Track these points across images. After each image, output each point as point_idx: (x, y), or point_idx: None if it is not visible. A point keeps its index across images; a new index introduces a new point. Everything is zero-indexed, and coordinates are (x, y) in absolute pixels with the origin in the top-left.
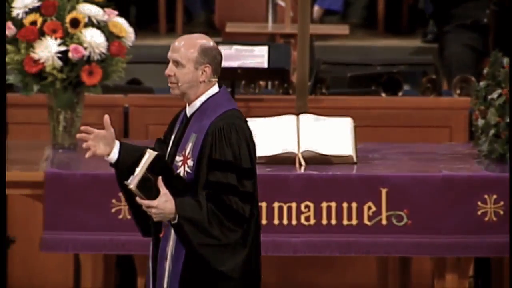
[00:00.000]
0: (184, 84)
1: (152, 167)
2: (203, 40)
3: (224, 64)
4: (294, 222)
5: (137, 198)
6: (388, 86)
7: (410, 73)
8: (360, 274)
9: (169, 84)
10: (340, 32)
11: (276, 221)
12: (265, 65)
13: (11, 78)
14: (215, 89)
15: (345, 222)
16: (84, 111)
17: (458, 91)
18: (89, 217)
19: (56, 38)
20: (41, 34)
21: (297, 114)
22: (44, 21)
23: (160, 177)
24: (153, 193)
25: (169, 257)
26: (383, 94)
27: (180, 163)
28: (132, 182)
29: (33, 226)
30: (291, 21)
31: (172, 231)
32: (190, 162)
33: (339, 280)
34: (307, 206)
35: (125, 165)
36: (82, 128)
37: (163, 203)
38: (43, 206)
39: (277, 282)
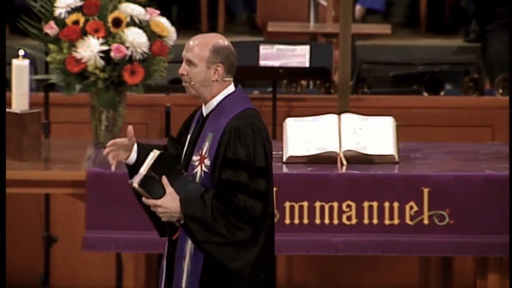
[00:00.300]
0: (196, 83)
1: (157, 166)
2: (217, 40)
3: (266, 63)
4: (335, 221)
5: (143, 198)
6: (430, 86)
7: (452, 72)
8: (402, 274)
9: (183, 84)
10: (382, 32)
11: (317, 221)
12: (307, 64)
13: (53, 78)
14: (231, 88)
15: (386, 221)
16: (126, 110)
17: (500, 91)
18: (131, 216)
19: (98, 38)
20: (84, 33)
21: (339, 114)
22: (87, 21)
23: (164, 176)
24: (159, 193)
25: (187, 257)
26: (425, 94)
27: (197, 163)
28: (135, 180)
29: (75, 225)
30: (333, 20)
31: None
32: (207, 162)
33: (380, 280)
34: (348, 206)
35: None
36: (108, 147)
37: (168, 202)
38: (85, 205)
39: (319, 281)
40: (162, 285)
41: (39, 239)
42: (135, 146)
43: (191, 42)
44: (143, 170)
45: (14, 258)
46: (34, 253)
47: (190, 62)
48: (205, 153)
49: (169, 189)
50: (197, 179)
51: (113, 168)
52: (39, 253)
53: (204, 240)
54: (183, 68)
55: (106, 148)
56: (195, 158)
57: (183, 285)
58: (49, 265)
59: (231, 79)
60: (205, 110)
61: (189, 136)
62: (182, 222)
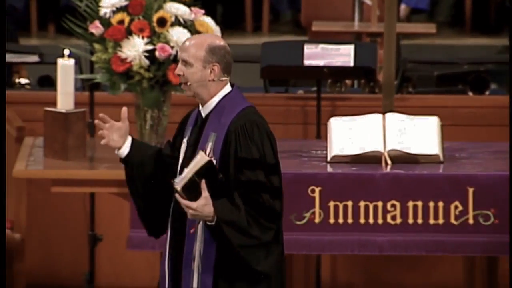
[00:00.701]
0: (193, 83)
1: (200, 171)
2: (212, 39)
3: (310, 62)
4: (380, 221)
5: (177, 196)
6: (475, 85)
7: (497, 71)
8: (446, 274)
9: (182, 86)
10: (427, 31)
11: (362, 220)
12: (351, 63)
13: (98, 77)
14: (228, 88)
15: (431, 221)
16: (170, 109)
17: None
18: None
19: (143, 37)
20: (129, 33)
21: (383, 113)
22: (132, 20)
23: (203, 180)
24: (194, 195)
25: (197, 258)
26: (470, 93)
27: None
28: (180, 183)
29: (120, 225)
30: (377, 19)
31: (199, 232)
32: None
33: (425, 280)
34: (393, 205)
35: (134, 161)
36: (100, 115)
37: (202, 207)
38: (129, 205)
39: (363, 281)
40: (166, 287)
41: (84, 238)
42: (129, 140)
43: (186, 43)
44: (190, 174)
45: (59, 257)
46: (79, 252)
47: (186, 62)
48: (209, 153)
49: (205, 193)
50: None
51: (102, 142)
52: (84, 252)
53: (240, 244)
54: (180, 69)
55: (103, 120)
56: None
57: (195, 286)
58: (94, 264)
59: (228, 78)
60: (203, 111)
61: (186, 138)
62: (211, 224)
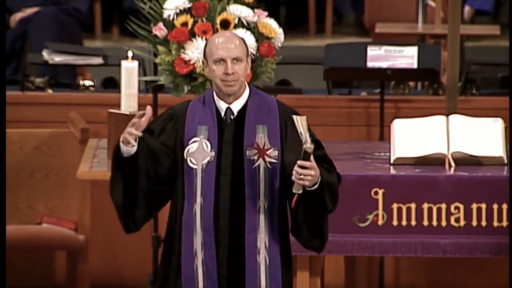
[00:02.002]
0: (243, 78)
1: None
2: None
3: (374, 64)
4: (443, 223)
5: (302, 162)
6: None
7: None
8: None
9: (230, 83)
10: (491, 33)
11: (425, 222)
12: (415, 65)
13: (162, 79)
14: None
15: (495, 223)
16: None
17: None
18: None
19: (206, 39)
20: (192, 35)
21: (447, 115)
22: (195, 22)
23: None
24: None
25: (263, 250)
26: None
27: (255, 157)
28: (311, 146)
29: None
30: (441, 21)
31: (262, 224)
32: (273, 152)
33: (488, 282)
34: (456, 208)
35: (141, 155)
36: (144, 112)
37: (316, 169)
38: None
39: (426, 283)
40: (202, 285)
41: (148, 239)
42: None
43: (228, 43)
44: (308, 136)
45: (123, 258)
46: (143, 253)
47: (237, 60)
48: (266, 145)
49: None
50: (261, 173)
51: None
52: (148, 254)
53: (331, 208)
54: (231, 68)
55: (130, 130)
56: (249, 153)
57: (263, 281)
58: (158, 265)
59: None
60: (234, 106)
61: (202, 136)
62: (315, 188)
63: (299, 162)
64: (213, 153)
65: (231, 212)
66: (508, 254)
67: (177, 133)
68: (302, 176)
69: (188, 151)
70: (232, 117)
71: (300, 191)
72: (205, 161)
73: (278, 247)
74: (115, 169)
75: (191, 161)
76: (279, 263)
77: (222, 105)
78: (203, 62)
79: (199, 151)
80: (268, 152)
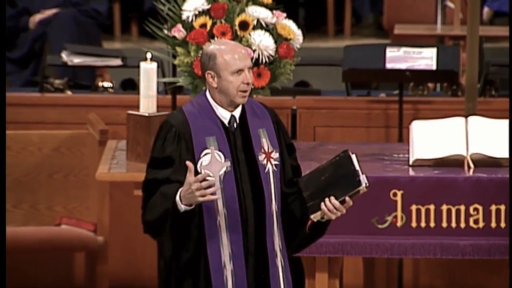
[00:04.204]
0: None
1: None
2: None
3: (393, 66)
4: (462, 225)
5: (349, 200)
6: None
7: None
8: None
9: (246, 93)
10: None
11: (444, 224)
12: (434, 67)
13: (181, 80)
14: None
15: None
16: None
17: None
18: None
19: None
20: (211, 36)
21: (466, 116)
22: (214, 24)
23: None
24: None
25: (279, 254)
26: None
27: (264, 161)
28: (365, 181)
29: None
30: (460, 22)
31: (275, 227)
32: (275, 155)
33: (507, 284)
34: (476, 209)
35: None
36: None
37: None
38: None
39: (445, 285)
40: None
41: None
42: None
43: (243, 51)
44: (365, 177)
45: (142, 259)
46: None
47: (249, 68)
48: (269, 148)
49: None
50: (271, 176)
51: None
52: None
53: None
54: (249, 77)
55: (204, 189)
56: (260, 158)
57: (282, 284)
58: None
59: None
60: (236, 113)
61: (213, 147)
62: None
63: (347, 199)
64: (228, 163)
65: (255, 219)
66: None
67: (187, 149)
68: (336, 211)
69: (201, 164)
70: (235, 124)
71: (318, 219)
72: (222, 171)
73: (285, 248)
74: (168, 222)
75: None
76: (289, 265)
77: (224, 114)
78: (208, 74)
79: (212, 163)
80: (271, 155)
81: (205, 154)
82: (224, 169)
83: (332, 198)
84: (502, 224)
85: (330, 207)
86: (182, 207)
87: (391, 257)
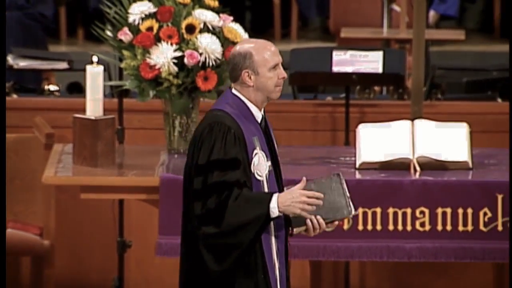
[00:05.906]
0: None
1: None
2: None
3: (339, 69)
4: (408, 228)
5: (336, 223)
6: (504, 92)
7: None
8: (476, 280)
9: (280, 88)
10: (456, 37)
11: (390, 227)
12: (380, 70)
13: (127, 84)
14: None
15: (460, 228)
16: (199, 116)
17: None
18: None
19: (171, 44)
20: (157, 40)
21: (412, 120)
22: (160, 27)
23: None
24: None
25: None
26: (499, 100)
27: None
28: (354, 209)
29: (149, 231)
30: (406, 26)
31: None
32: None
33: (453, 286)
34: (422, 212)
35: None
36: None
37: None
38: (158, 211)
39: (392, 287)
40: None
41: (113, 244)
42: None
43: (273, 47)
44: (347, 197)
45: (88, 263)
46: (108, 258)
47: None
48: (277, 148)
49: None
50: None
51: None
52: (113, 259)
53: None
54: (283, 71)
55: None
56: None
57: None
58: (123, 270)
59: None
60: (258, 115)
61: (258, 147)
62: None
63: (335, 222)
64: (269, 163)
65: (285, 216)
66: (475, 258)
67: (244, 150)
68: (319, 231)
69: (254, 164)
70: (263, 123)
71: (299, 232)
72: (267, 171)
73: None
74: (256, 227)
75: (257, 173)
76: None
77: (257, 113)
78: (245, 73)
79: (260, 163)
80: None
81: (255, 154)
82: (267, 168)
83: (319, 217)
84: (448, 227)
85: (316, 225)
86: (276, 212)
87: (338, 260)
